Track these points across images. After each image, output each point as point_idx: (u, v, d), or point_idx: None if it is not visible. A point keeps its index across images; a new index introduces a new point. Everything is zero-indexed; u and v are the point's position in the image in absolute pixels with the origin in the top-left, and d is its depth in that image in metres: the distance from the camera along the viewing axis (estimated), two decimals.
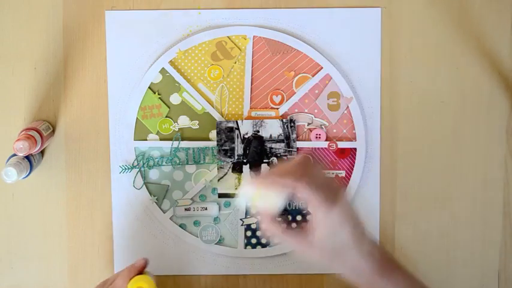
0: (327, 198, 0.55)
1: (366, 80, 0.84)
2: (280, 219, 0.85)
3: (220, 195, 0.85)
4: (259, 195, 0.58)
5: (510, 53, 0.84)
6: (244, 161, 0.84)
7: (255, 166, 0.84)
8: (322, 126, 0.85)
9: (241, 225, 0.86)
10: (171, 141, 0.85)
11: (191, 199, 0.85)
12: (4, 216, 0.85)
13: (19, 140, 0.74)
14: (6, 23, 0.83)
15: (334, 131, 0.85)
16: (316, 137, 0.85)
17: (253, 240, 0.86)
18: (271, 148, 0.84)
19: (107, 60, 0.84)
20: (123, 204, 0.85)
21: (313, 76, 0.84)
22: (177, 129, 0.85)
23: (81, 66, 0.84)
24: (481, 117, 0.85)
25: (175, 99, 0.85)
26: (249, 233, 0.86)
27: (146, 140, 0.85)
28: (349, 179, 0.85)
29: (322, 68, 0.84)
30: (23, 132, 0.78)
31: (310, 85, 0.84)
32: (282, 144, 0.84)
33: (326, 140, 0.85)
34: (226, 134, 0.84)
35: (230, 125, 0.84)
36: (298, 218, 0.86)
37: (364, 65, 0.84)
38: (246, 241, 0.86)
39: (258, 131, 0.84)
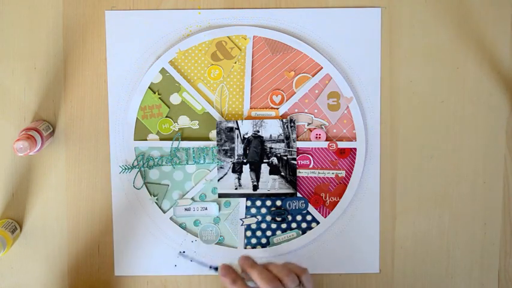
0: None
1: (366, 80, 0.84)
2: (280, 219, 0.86)
3: (220, 195, 0.85)
4: None
5: (510, 53, 0.84)
6: (244, 161, 0.84)
7: (255, 166, 0.84)
8: (322, 126, 0.85)
9: (241, 225, 0.86)
10: (171, 141, 0.85)
11: (191, 199, 0.85)
12: (4, 216, 0.85)
13: (19, 140, 0.75)
14: (6, 23, 0.83)
15: (334, 131, 0.85)
16: (316, 137, 0.85)
17: (253, 240, 0.86)
18: (271, 148, 0.84)
19: (107, 60, 0.84)
20: (123, 204, 0.85)
21: (313, 76, 0.84)
22: (177, 129, 0.85)
23: (81, 66, 0.84)
24: (481, 117, 0.85)
25: (175, 99, 0.85)
26: (249, 233, 0.86)
27: (146, 140, 0.85)
28: (349, 179, 0.85)
29: (322, 68, 0.84)
30: (23, 132, 0.78)
31: (310, 85, 0.84)
32: (282, 144, 0.84)
33: (326, 140, 0.85)
34: (226, 134, 0.84)
35: (230, 125, 0.84)
36: (298, 218, 0.86)
37: (364, 65, 0.84)
38: (246, 241, 0.86)
39: (258, 131, 0.84)
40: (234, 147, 0.84)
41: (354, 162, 0.85)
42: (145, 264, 0.86)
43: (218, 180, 0.85)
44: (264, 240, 0.86)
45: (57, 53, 0.84)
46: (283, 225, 0.86)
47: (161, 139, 0.85)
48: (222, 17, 0.84)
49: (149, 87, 0.84)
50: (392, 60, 0.84)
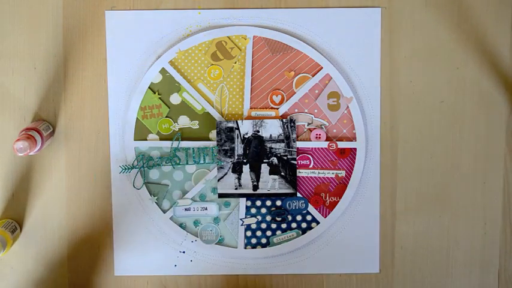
0: None
1: (366, 80, 0.84)
2: (280, 219, 0.86)
3: (220, 195, 0.85)
4: None
5: (510, 53, 0.84)
6: (244, 161, 0.84)
7: (255, 166, 0.84)
8: (322, 126, 0.85)
9: (241, 225, 0.86)
10: (171, 141, 0.85)
11: (191, 199, 0.85)
12: (4, 216, 0.85)
13: (19, 140, 0.75)
14: (6, 23, 0.83)
15: (334, 131, 0.85)
16: (316, 137, 0.85)
17: (253, 240, 0.86)
18: (271, 148, 0.84)
19: (107, 60, 0.84)
20: (123, 204, 0.85)
21: (313, 76, 0.84)
22: (177, 129, 0.85)
23: (81, 66, 0.84)
24: (481, 117, 0.85)
25: (175, 99, 0.85)
26: (249, 233, 0.86)
27: (146, 140, 0.85)
28: (349, 179, 0.85)
29: (322, 68, 0.84)
30: (23, 132, 0.78)
31: (310, 85, 0.84)
32: (282, 144, 0.84)
33: (326, 140, 0.85)
34: (226, 134, 0.84)
35: (230, 125, 0.84)
36: (298, 218, 0.86)
37: (364, 65, 0.84)
38: (246, 241, 0.86)
39: (258, 131, 0.84)
40: (234, 147, 0.84)
41: (354, 162, 0.85)
42: (145, 264, 0.86)
43: (218, 180, 0.85)
44: (264, 240, 0.86)
45: (57, 53, 0.84)
46: (283, 225, 0.86)
47: (161, 139, 0.85)
48: (222, 17, 0.84)
49: (149, 87, 0.84)
50: (392, 60, 0.84)
